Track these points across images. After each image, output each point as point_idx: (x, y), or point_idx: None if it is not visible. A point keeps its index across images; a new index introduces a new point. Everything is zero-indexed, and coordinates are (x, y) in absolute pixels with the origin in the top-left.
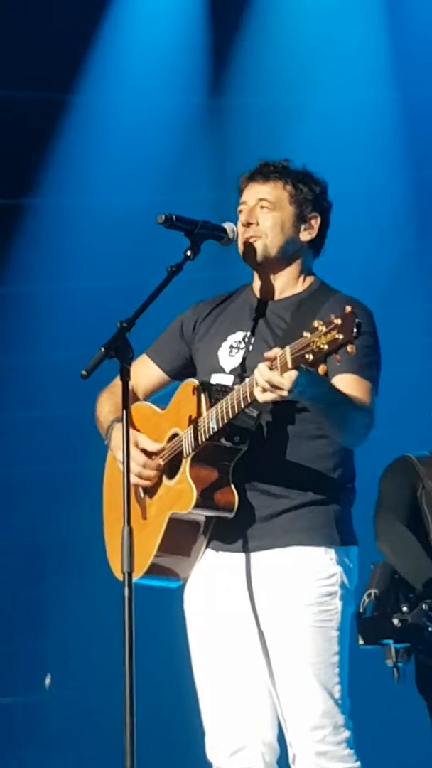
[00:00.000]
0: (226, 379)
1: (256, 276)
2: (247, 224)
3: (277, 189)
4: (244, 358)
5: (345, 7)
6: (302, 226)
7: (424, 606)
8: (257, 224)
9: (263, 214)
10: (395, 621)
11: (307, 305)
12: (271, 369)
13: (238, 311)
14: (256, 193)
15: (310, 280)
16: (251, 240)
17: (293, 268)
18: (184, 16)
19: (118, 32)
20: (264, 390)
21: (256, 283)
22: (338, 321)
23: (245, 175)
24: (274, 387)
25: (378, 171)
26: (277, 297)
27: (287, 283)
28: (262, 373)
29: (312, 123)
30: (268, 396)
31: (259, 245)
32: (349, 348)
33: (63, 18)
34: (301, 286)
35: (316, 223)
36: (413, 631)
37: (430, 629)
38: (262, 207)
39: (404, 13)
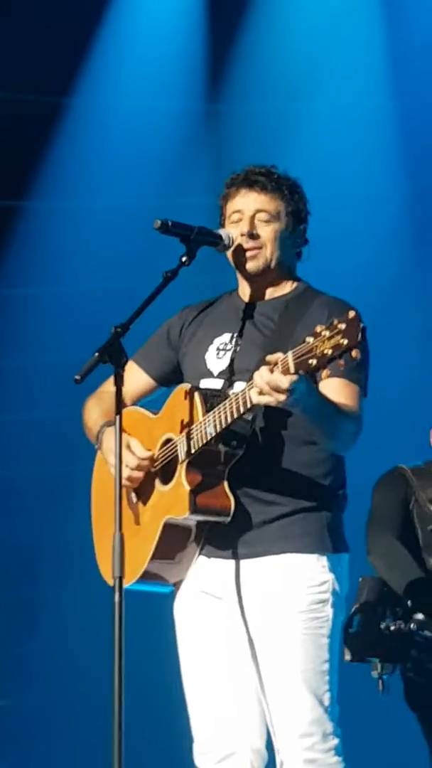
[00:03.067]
0: (216, 383)
1: (242, 281)
2: (249, 235)
3: (275, 200)
4: (232, 360)
5: (344, 15)
6: (295, 236)
7: (412, 626)
8: (258, 235)
9: (263, 226)
10: (382, 639)
11: (293, 306)
12: (271, 373)
13: (224, 314)
14: (253, 202)
15: (295, 282)
16: (253, 252)
17: (282, 274)
18: (182, 21)
19: (116, 36)
20: (261, 393)
21: (243, 288)
22: (342, 326)
23: (235, 181)
24: (274, 390)
25: (376, 179)
26: (263, 300)
27: (275, 287)
28: (262, 375)
29: (310, 130)
30: (265, 399)
31: (260, 256)
32: (353, 353)
33: (61, 21)
34: (288, 288)
35: (304, 231)
36: (400, 650)
37: (418, 649)
38: (260, 219)
39: (403, 21)
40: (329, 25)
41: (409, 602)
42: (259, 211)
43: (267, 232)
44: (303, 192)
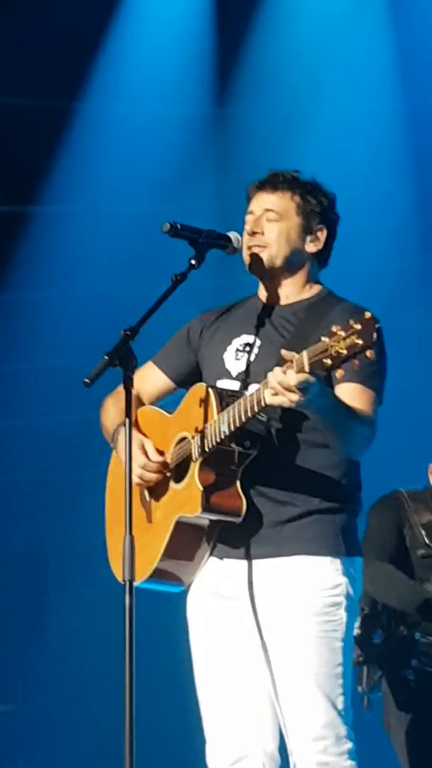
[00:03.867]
0: (233, 384)
1: (261, 284)
2: (253, 233)
3: (284, 199)
4: (249, 362)
5: (351, 19)
6: (308, 238)
7: (414, 634)
8: (262, 234)
9: (269, 225)
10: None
11: (314, 310)
12: (285, 372)
13: (244, 316)
14: (263, 202)
15: (317, 288)
16: (256, 250)
17: (299, 277)
18: (190, 26)
19: (124, 41)
20: (275, 393)
21: (262, 291)
22: (358, 326)
23: (254, 184)
24: (286, 390)
25: (382, 182)
26: (283, 303)
27: (293, 290)
28: (275, 374)
29: (317, 134)
30: (278, 399)
31: (264, 255)
32: (368, 353)
33: (69, 27)
34: (308, 293)
35: (322, 235)
36: (397, 658)
37: (413, 662)
38: (268, 218)
39: (409, 24)
40: (336, 29)
41: (409, 611)
42: (267, 210)
43: (272, 230)
44: (328, 195)
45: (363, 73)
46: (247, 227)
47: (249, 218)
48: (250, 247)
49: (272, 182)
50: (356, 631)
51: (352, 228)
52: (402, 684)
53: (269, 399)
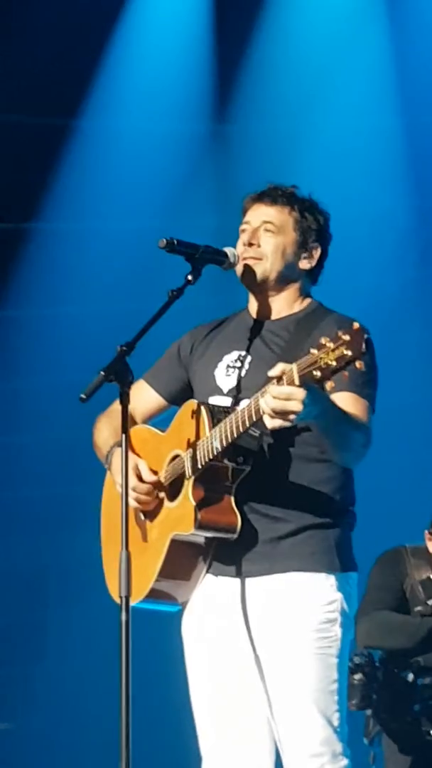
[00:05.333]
0: (225, 400)
1: (251, 298)
2: (249, 244)
3: (283, 213)
4: (240, 378)
5: (351, 35)
6: (303, 255)
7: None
8: (259, 246)
9: (266, 237)
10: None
11: (304, 324)
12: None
13: (234, 331)
14: (261, 214)
15: (307, 301)
16: (251, 262)
17: (290, 291)
18: (189, 42)
19: (123, 58)
20: (273, 414)
21: (252, 305)
22: (347, 337)
23: (251, 196)
24: (285, 401)
25: (381, 198)
26: (273, 317)
27: (284, 305)
28: (271, 390)
29: (316, 150)
30: (278, 422)
31: (258, 268)
32: (357, 364)
33: (68, 43)
34: (298, 306)
35: (316, 253)
36: (401, 701)
37: (416, 707)
38: (266, 230)
39: (410, 40)
40: (336, 44)
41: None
42: (265, 222)
43: (269, 243)
44: (323, 213)
45: (362, 90)
46: (244, 238)
47: (245, 228)
48: (245, 258)
49: (271, 195)
50: (355, 680)
51: (352, 244)
52: (404, 730)
53: (268, 423)
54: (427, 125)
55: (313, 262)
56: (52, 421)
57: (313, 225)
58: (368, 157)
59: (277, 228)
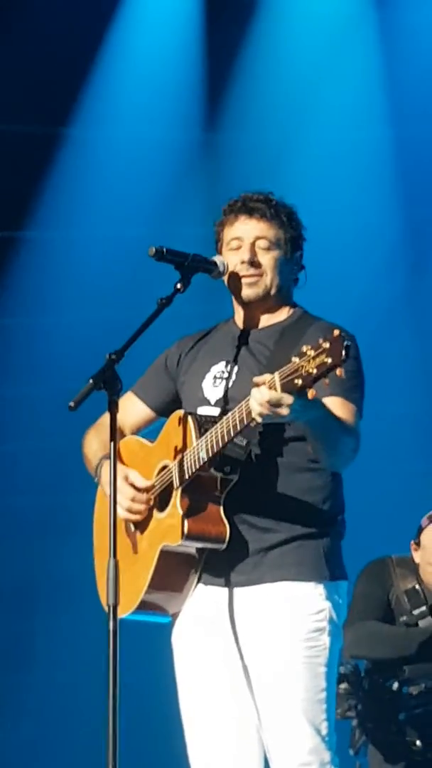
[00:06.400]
0: (213, 411)
1: (238, 308)
2: (250, 263)
3: (274, 228)
4: (227, 389)
5: (341, 46)
6: (293, 263)
7: (395, 686)
8: (259, 264)
9: (263, 253)
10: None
11: (290, 332)
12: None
13: (221, 342)
14: (253, 230)
15: (292, 309)
16: (252, 280)
17: (279, 300)
18: (179, 51)
19: (114, 67)
20: (262, 410)
21: (239, 314)
22: (327, 345)
23: (234, 207)
24: (274, 407)
25: (371, 209)
26: (260, 326)
27: (270, 313)
28: (262, 393)
29: (305, 160)
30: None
31: (260, 284)
32: (338, 371)
33: (59, 52)
34: (284, 314)
35: (300, 258)
36: (387, 711)
37: (401, 716)
38: (261, 246)
39: (399, 51)
40: (326, 55)
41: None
42: (258, 238)
43: (267, 259)
44: (299, 219)
45: (352, 101)
46: (242, 255)
47: (238, 245)
48: (245, 276)
49: (260, 210)
50: (340, 689)
51: (341, 255)
52: (389, 740)
53: (256, 411)
54: (415, 136)
55: (299, 268)
56: (42, 430)
57: (296, 233)
58: (357, 167)
59: (273, 243)
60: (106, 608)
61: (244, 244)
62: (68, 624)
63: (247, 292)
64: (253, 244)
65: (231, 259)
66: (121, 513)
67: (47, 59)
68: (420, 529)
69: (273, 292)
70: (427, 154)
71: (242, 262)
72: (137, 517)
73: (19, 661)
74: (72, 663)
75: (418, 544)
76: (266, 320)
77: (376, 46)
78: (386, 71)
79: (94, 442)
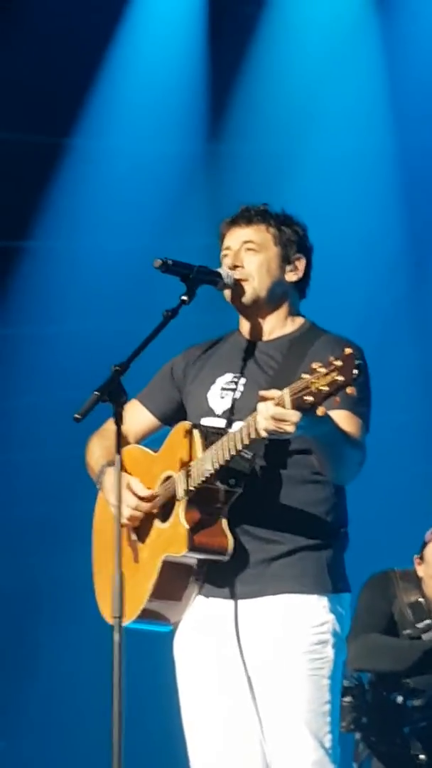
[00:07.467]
0: (218, 422)
1: (243, 319)
2: (234, 267)
3: (260, 231)
4: (234, 400)
5: (344, 55)
6: (288, 267)
7: (400, 699)
8: (243, 267)
9: (249, 256)
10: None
11: (297, 345)
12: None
13: (228, 353)
14: (239, 236)
15: (300, 320)
16: (240, 282)
17: (281, 310)
18: (182, 62)
19: (117, 77)
20: (267, 428)
21: (245, 326)
22: (338, 363)
23: (226, 221)
24: (280, 422)
25: (373, 217)
26: (266, 338)
27: (276, 324)
28: (267, 408)
29: (308, 170)
30: (272, 430)
31: (247, 288)
32: (348, 390)
33: (63, 62)
34: (291, 326)
35: (300, 264)
36: (390, 722)
37: (405, 730)
38: (247, 249)
39: (402, 60)
40: (328, 65)
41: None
42: (245, 242)
43: (252, 262)
44: (300, 225)
45: (354, 110)
46: (227, 262)
47: (227, 253)
48: (234, 282)
49: (245, 216)
50: (344, 702)
51: (344, 262)
52: (393, 753)
53: (262, 426)
54: (418, 144)
55: (300, 274)
56: (46, 440)
57: (293, 237)
58: (360, 175)
59: (258, 246)
60: (106, 619)
61: (231, 252)
62: (71, 633)
63: (235, 298)
64: (239, 250)
65: (224, 269)
66: (121, 519)
67: (51, 69)
68: (424, 544)
69: (263, 295)
70: (430, 162)
71: (229, 269)
72: (135, 523)
73: (22, 669)
74: (75, 672)
75: (421, 558)
76: (273, 331)
77: (379, 54)
78: (389, 80)
79: (97, 449)
